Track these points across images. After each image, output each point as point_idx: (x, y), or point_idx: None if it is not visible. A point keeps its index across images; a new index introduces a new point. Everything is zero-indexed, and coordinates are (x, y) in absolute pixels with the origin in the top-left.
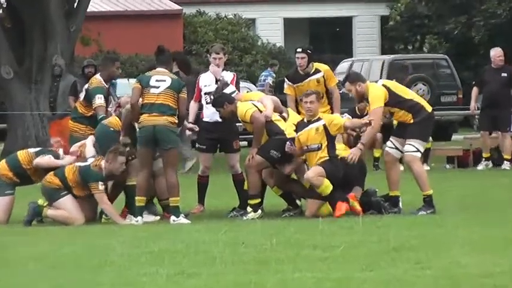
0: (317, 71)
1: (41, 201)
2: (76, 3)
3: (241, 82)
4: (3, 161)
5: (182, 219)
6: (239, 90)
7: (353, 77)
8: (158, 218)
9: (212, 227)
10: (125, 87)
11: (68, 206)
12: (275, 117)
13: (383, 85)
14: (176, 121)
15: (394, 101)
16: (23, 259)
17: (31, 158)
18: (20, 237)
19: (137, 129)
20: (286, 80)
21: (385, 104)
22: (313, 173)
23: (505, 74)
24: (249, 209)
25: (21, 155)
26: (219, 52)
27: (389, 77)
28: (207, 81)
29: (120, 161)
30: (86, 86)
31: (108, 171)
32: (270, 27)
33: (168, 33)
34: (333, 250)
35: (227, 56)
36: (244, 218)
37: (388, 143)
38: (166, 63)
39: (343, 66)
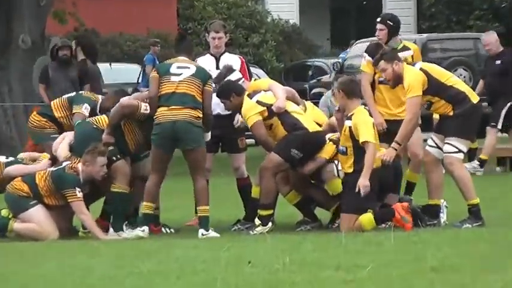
0: (405, 48)
1: (4, 212)
2: None
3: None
4: None
5: (212, 233)
6: (251, 77)
7: (390, 55)
8: (146, 234)
9: (212, 243)
10: (107, 72)
11: (38, 218)
12: (291, 107)
13: (421, 69)
14: (201, 115)
15: (434, 88)
16: None
17: (0, 168)
18: None
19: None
20: (365, 54)
21: (424, 93)
22: (346, 225)
23: (499, 62)
24: (257, 221)
25: None
26: (219, 30)
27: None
28: (206, 66)
29: (99, 162)
30: (82, 92)
31: (87, 175)
32: (282, 1)
33: (159, 8)
34: (359, 271)
35: (229, 35)
36: (251, 232)
37: (428, 141)
38: (188, 52)
39: (358, 48)
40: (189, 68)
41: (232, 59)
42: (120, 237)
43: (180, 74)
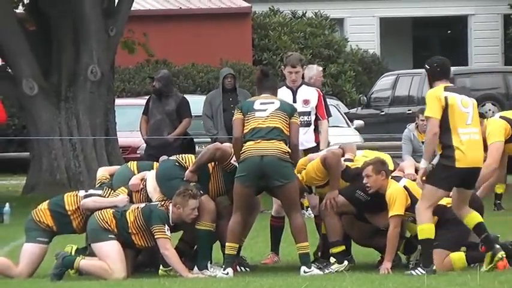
0: None
1: (67, 248)
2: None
3: (328, 99)
4: (46, 203)
5: (315, 270)
6: (328, 111)
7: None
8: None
9: (289, 283)
10: None
11: (111, 253)
12: (348, 163)
13: (501, 117)
14: (288, 150)
15: None
16: None
17: (79, 204)
18: None
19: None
20: None
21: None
22: (437, 261)
23: None
24: (332, 259)
25: (68, 198)
26: (296, 65)
27: None
28: (283, 99)
29: (191, 205)
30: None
31: (176, 218)
32: (362, 29)
33: (233, 38)
34: None
35: (305, 67)
36: (326, 271)
37: None
38: (272, 90)
39: (384, 82)
40: (273, 102)
41: (309, 92)
42: (204, 275)
43: (265, 110)
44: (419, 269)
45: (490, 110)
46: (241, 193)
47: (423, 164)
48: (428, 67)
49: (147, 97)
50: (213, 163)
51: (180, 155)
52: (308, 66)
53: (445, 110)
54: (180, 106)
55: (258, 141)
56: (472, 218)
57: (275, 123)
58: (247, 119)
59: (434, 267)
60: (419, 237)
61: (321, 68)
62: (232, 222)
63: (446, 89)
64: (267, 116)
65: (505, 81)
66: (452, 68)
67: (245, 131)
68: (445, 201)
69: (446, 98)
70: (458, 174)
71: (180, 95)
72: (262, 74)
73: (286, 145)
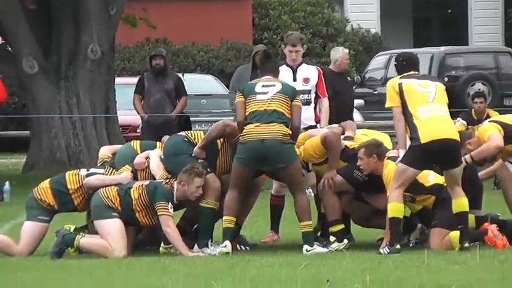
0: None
1: (66, 227)
2: None
3: None
4: (47, 181)
5: (318, 248)
6: (327, 90)
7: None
8: (229, 249)
9: (288, 261)
10: None
11: (112, 230)
12: (347, 142)
13: (490, 121)
14: (289, 132)
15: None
16: None
17: (81, 183)
18: (45, 273)
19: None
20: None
21: (505, 141)
22: (436, 239)
23: None
24: (332, 238)
25: (70, 177)
26: (296, 44)
27: (439, 77)
28: (283, 78)
29: (196, 183)
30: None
31: (181, 195)
32: (362, 9)
33: (233, 17)
34: None
35: (306, 45)
36: (326, 249)
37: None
38: (274, 72)
39: (378, 62)
40: (274, 85)
41: (309, 70)
42: (204, 253)
43: (267, 93)
44: (385, 248)
45: (479, 89)
46: (239, 172)
47: (402, 153)
48: (395, 62)
49: None
50: (222, 139)
51: (189, 131)
52: (334, 48)
53: (402, 95)
54: (178, 84)
55: (258, 124)
56: (459, 204)
57: (276, 106)
58: (248, 102)
59: (398, 247)
60: (389, 215)
61: (347, 50)
62: (228, 197)
63: (403, 77)
64: (268, 99)
65: (496, 61)
66: (444, 48)
67: (246, 114)
68: (441, 180)
69: (400, 85)
70: (427, 150)
71: (175, 73)
72: (265, 55)
73: (287, 127)
